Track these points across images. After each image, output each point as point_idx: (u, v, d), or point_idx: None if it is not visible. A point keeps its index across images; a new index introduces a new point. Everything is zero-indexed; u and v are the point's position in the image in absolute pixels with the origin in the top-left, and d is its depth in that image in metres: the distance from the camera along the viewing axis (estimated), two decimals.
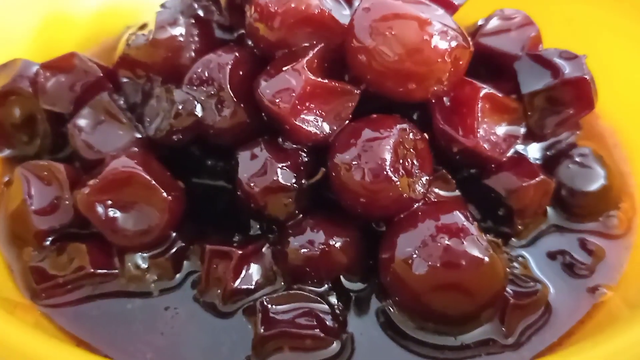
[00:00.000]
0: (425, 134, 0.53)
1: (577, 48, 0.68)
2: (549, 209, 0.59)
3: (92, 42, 0.77)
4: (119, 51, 0.65)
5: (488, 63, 0.59)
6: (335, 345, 0.48)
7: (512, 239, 0.56)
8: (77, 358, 0.40)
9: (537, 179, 0.55)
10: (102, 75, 0.59)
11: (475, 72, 0.55)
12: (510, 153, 0.54)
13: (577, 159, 0.59)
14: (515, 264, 0.55)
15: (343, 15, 0.55)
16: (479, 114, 0.52)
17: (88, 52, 0.75)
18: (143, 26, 0.63)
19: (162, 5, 0.60)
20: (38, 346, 0.40)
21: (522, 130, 0.55)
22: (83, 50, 0.75)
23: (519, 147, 0.59)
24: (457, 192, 0.55)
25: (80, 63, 0.59)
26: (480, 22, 0.65)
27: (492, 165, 0.55)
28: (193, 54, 0.57)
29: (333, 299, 0.51)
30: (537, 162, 0.59)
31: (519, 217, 0.55)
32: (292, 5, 0.51)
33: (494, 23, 0.59)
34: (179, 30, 0.57)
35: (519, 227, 0.56)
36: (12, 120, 0.61)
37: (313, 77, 0.50)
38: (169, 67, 0.57)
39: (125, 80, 0.60)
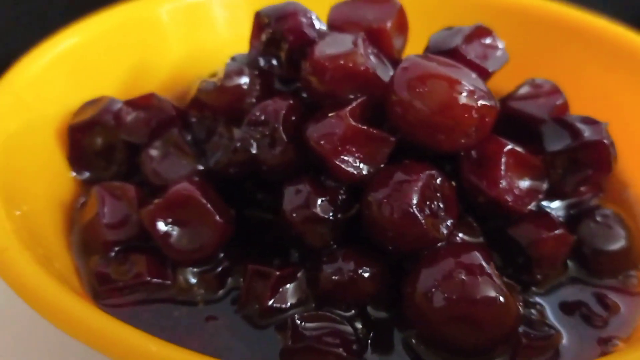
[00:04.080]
0: (453, 182, 0.59)
1: (605, 118, 0.74)
2: (569, 262, 0.62)
3: (167, 89, 0.86)
4: (191, 95, 0.75)
5: (518, 125, 0.64)
6: None
7: (533, 287, 0.60)
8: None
9: (556, 232, 0.59)
10: (174, 114, 0.68)
11: (506, 133, 0.61)
12: (532, 206, 0.59)
13: (599, 219, 0.63)
14: (532, 310, 0.58)
15: (386, 74, 0.62)
16: (503, 167, 0.58)
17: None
18: (213, 75, 0.72)
19: (232, 58, 0.69)
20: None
21: (545, 186, 0.60)
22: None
23: (544, 204, 0.64)
24: (481, 239, 0.61)
25: (158, 102, 0.68)
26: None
27: (516, 217, 0.60)
28: (254, 100, 0.65)
29: (358, 324, 0.57)
30: (560, 219, 0.63)
31: (537, 266, 0.59)
32: (341, 62, 0.59)
33: (524, 90, 0.65)
34: (243, 80, 0.65)
35: (538, 276, 0.59)
36: (94, 148, 0.70)
37: (354, 123, 0.57)
38: (232, 110, 0.65)
39: (194, 119, 0.68)
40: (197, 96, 0.67)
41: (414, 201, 0.54)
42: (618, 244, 0.62)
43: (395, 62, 0.68)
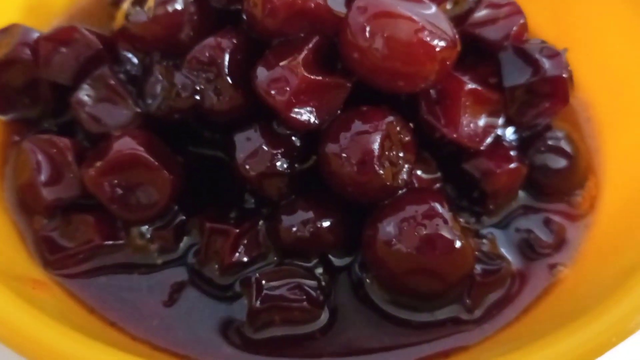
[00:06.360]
0: (411, 124, 0.57)
1: (559, 18, 0.71)
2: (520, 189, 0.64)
3: None
4: (118, 21, 0.66)
5: (475, 47, 0.61)
6: (323, 317, 0.55)
7: (484, 216, 0.62)
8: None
9: (511, 165, 0.59)
10: (101, 47, 0.61)
11: (462, 54, 0.58)
12: (487, 142, 0.59)
13: (550, 142, 0.63)
14: (484, 241, 0.60)
15: (337, 1, 0.56)
16: (462, 108, 0.56)
17: (80, 1, 0.76)
18: None
19: None
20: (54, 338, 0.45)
21: (501, 121, 0.59)
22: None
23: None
24: (438, 174, 0.60)
25: (81, 36, 0.60)
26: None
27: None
28: (191, 31, 0.59)
29: (319, 272, 0.57)
30: (513, 143, 0.63)
31: (491, 199, 0.60)
32: None
33: (483, 12, 0.61)
34: (177, 8, 0.58)
35: (491, 207, 0.61)
36: (15, 85, 0.63)
37: (307, 75, 0.52)
38: (167, 44, 0.59)
39: (125, 52, 0.62)
40: (127, 27, 0.60)
41: (375, 154, 0.53)
42: (567, 166, 0.63)
43: None
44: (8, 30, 0.63)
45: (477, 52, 0.61)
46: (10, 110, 0.64)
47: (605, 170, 0.66)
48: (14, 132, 0.64)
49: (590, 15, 0.74)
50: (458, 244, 0.53)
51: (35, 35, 0.62)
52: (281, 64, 0.53)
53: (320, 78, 0.53)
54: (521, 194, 0.63)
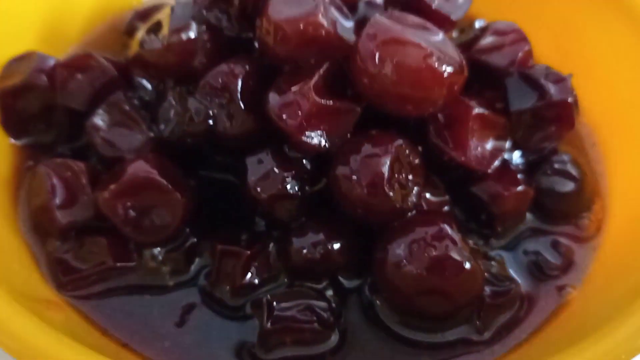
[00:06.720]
0: (419, 147, 0.58)
1: (562, 45, 0.73)
2: (527, 212, 0.64)
3: (98, 19, 0.78)
4: (132, 49, 0.68)
5: (481, 73, 0.63)
6: (333, 339, 0.55)
7: (492, 239, 0.63)
8: None
9: (518, 188, 0.60)
10: (116, 74, 0.62)
11: (469, 80, 0.60)
12: (495, 165, 0.60)
13: (556, 166, 0.64)
14: (492, 263, 0.61)
15: (346, 28, 0.58)
16: (470, 133, 0.57)
17: (95, 30, 0.78)
18: (157, 25, 0.65)
19: (172, 9, 0.62)
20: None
21: (508, 144, 0.60)
22: (89, 28, 0.78)
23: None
24: (446, 197, 0.61)
25: (96, 63, 0.62)
26: (476, 25, 0.69)
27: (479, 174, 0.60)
28: (204, 59, 0.60)
29: (330, 294, 0.58)
30: (520, 166, 0.64)
31: (499, 221, 0.61)
32: (302, 26, 0.54)
33: (489, 39, 0.62)
34: (191, 36, 0.60)
35: (499, 229, 0.62)
36: (30, 111, 0.64)
37: (318, 100, 0.54)
38: (181, 70, 0.61)
39: (139, 78, 0.63)
40: (141, 54, 0.61)
41: (385, 177, 0.54)
42: (573, 189, 0.64)
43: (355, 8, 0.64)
44: (24, 57, 0.65)
45: (483, 78, 0.62)
46: (25, 135, 0.65)
47: (611, 193, 0.67)
48: (28, 157, 0.66)
49: (595, 41, 0.75)
50: (467, 265, 0.54)
51: (51, 62, 0.64)
52: (293, 89, 0.54)
53: (330, 103, 0.55)
54: (529, 216, 0.64)
